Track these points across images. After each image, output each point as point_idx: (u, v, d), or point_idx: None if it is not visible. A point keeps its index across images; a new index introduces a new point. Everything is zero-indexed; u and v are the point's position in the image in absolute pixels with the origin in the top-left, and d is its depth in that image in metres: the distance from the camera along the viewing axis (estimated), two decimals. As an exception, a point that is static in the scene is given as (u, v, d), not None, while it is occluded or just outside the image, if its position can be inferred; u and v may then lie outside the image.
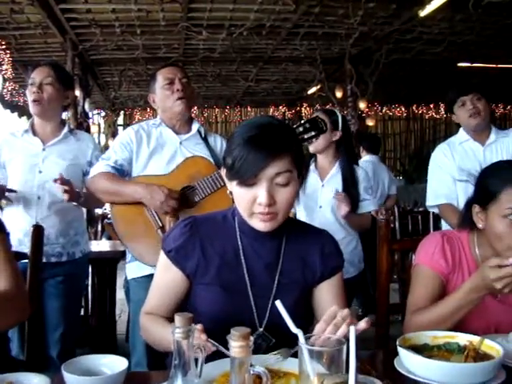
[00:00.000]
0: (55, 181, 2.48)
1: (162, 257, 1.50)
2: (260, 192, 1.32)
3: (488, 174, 1.66)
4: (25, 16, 6.32)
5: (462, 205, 1.96)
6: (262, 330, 1.42)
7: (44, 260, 2.51)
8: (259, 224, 1.37)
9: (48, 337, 2.63)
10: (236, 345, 0.88)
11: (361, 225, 2.91)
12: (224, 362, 1.10)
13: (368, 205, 2.90)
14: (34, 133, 2.71)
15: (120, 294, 3.87)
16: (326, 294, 1.50)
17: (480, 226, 1.61)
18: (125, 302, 3.63)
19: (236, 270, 1.44)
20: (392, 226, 5.89)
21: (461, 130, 2.94)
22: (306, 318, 1.52)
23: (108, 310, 3.96)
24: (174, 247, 1.45)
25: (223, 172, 1.46)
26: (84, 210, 2.92)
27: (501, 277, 1.36)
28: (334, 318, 1.17)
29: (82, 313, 4.46)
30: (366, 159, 5.72)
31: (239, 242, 1.46)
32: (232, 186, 1.39)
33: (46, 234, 2.50)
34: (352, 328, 0.94)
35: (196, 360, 1.00)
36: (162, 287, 1.49)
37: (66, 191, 2.48)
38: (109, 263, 3.86)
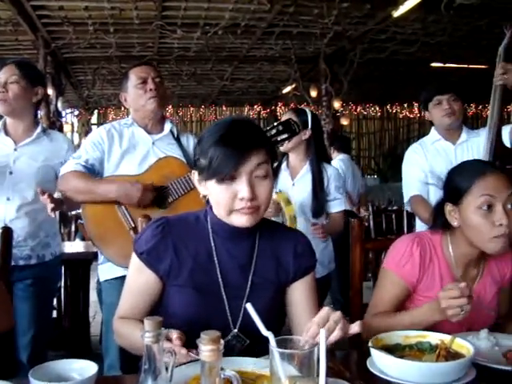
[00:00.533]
0: (44, 195, 2.35)
1: (134, 259, 1.47)
2: (241, 187, 1.32)
3: (456, 172, 1.70)
4: (-6, 13, 6.21)
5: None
6: (236, 331, 1.41)
7: (12, 263, 2.47)
8: (241, 219, 1.35)
9: (18, 341, 2.57)
10: (206, 348, 0.87)
11: (335, 228, 2.92)
12: (194, 365, 1.09)
13: (339, 204, 2.90)
14: (7, 133, 2.62)
15: (94, 296, 3.81)
16: (299, 294, 1.50)
17: (455, 224, 1.64)
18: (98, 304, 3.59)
19: (209, 271, 1.43)
20: (366, 224, 5.94)
21: (433, 129, 2.97)
22: (280, 318, 1.53)
23: (81, 311, 3.91)
24: (146, 249, 1.43)
25: (194, 176, 1.44)
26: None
27: (450, 306, 1.39)
28: (327, 321, 1.17)
29: (55, 315, 4.41)
30: (340, 158, 5.79)
31: (212, 243, 1.45)
32: (208, 187, 1.38)
33: (14, 237, 2.44)
34: (322, 331, 0.93)
35: (166, 364, 0.99)
36: (135, 290, 1.47)
37: (53, 209, 2.37)
38: (82, 264, 3.82)
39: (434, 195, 2.67)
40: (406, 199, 2.89)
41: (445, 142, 2.86)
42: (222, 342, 0.89)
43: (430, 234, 1.73)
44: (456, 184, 1.65)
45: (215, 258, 1.44)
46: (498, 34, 7.44)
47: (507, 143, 2.55)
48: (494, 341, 1.44)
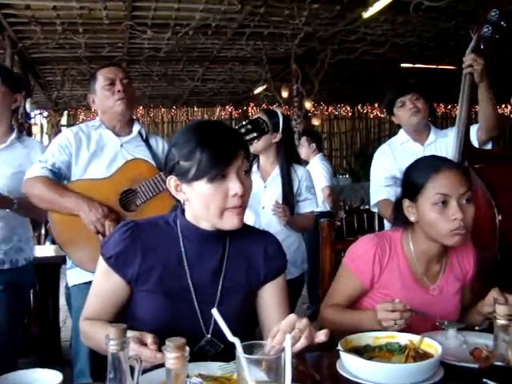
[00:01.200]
0: None
1: (102, 263, 1.44)
2: (233, 184, 1.33)
3: (412, 168, 1.73)
4: (-42, 11, 6.07)
5: None
6: (209, 336, 1.39)
7: None
8: (234, 221, 1.36)
9: None
10: (171, 356, 0.86)
11: (303, 226, 2.93)
12: (160, 372, 1.07)
13: (310, 204, 2.91)
14: None
15: (64, 300, 3.75)
16: (270, 296, 1.50)
17: (412, 219, 1.67)
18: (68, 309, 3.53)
19: (179, 276, 1.41)
20: (339, 224, 5.98)
21: (401, 130, 2.97)
22: (252, 321, 1.52)
23: (51, 316, 3.84)
24: (114, 253, 1.40)
25: (170, 181, 1.42)
26: None
27: (384, 318, 1.44)
28: (293, 329, 1.17)
29: (26, 320, 4.33)
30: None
31: (182, 248, 1.43)
32: (195, 188, 1.36)
33: None
34: (288, 336, 0.93)
35: (132, 371, 0.97)
36: (102, 294, 1.45)
37: None
38: (51, 268, 3.75)
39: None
40: (372, 202, 2.90)
41: (414, 143, 2.88)
42: (188, 348, 0.88)
43: (390, 233, 1.78)
44: (412, 180, 1.68)
45: (185, 263, 1.42)
46: (464, 36, 7.62)
47: (474, 142, 2.58)
48: (462, 339, 1.46)
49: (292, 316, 1.21)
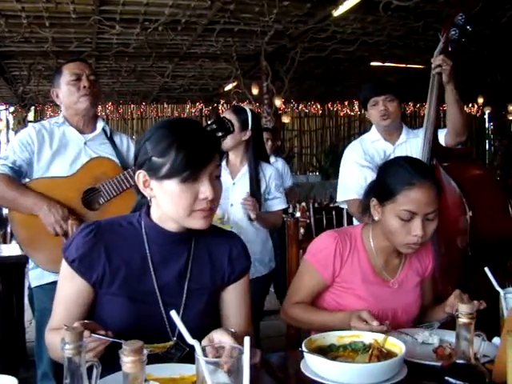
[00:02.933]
0: None
1: (65, 267, 1.40)
2: (204, 188, 1.31)
3: (389, 172, 1.71)
4: None
5: None
6: (175, 339, 1.36)
7: None
8: (201, 221, 1.34)
9: None
10: (128, 360, 0.83)
11: (271, 223, 2.92)
12: (118, 377, 1.05)
13: (279, 203, 2.91)
14: None
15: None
16: (233, 298, 1.49)
17: (376, 218, 1.69)
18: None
19: (144, 279, 1.38)
20: (308, 221, 6.00)
21: (373, 127, 2.97)
22: (216, 322, 1.50)
23: (15, 317, 3.76)
24: (77, 256, 1.36)
25: (139, 176, 1.38)
26: None
27: (356, 327, 1.45)
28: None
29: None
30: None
31: (147, 249, 1.40)
32: (165, 186, 1.32)
33: None
34: (247, 338, 0.91)
35: (89, 376, 0.94)
36: (67, 299, 1.39)
37: None
38: (15, 268, 3.66)
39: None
40: (341, 199, 2.90)
41: (384, 142, 2.88)
42: (145, 352, 0.86)
43: (350, 229, 1.82)
44: (385, 186, 1.67)
45: (150, 265, 1.39)
46: (432, 36, 7.72)
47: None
48: (426, 337, 1.47)
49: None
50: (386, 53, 8.82)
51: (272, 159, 5.27)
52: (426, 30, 7.20)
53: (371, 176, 2.80)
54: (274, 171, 2.94)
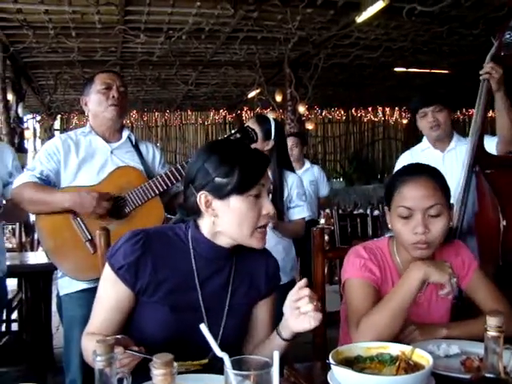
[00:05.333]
0: None
1: (109, 273, 1.40)
2: (265, 202, 1.38)
3: (391, 176, 1.72)
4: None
5: None
6: (211, 354, 1.36)
7: None
8: (261, 242, 1.41)
9: None
10: (158, 373, 0.84)
11: (293, 232, 2.91)
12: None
13: (300, 211, 2.89)
14: None
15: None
16: (263, 313, 1.53)
17: (389, 226, 1.65)
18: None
19: (188, 291, 1.39)
20: (332, 228, 5.97)
21: (424, 137, 2.97)
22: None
23: (43, 323, 3.81)
24: (124, 264, 1.36)
25: (201, 198, 1.39)
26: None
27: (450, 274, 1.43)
28: None
29: (16, 328, 4.31)
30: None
31: (193, 263, 1.42)
32: (231, 204, 1.37)
33: None
34: (276, 352, 0.92)
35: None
36: (107, 305, 1.40)
37: None
38: (42, 275, 3.72)
39: None
40: None
41: (434, 150, 2.87)
42: (176, 364, 0.87)
43: (376, 242, 1.75)
44: (386, 188, 1.67)
45: (196, 279, 1.40)
46: (457, 41, 7.64)
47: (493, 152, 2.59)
48: (446, 350, 1.44)
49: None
50: (409, 58, 8.77)
51: (307, 165, 5.20)
52: (450, 34, 7.14)
53: None
54: (297, 179, 2.93)
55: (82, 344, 1.42)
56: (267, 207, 1.38)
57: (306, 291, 1.31)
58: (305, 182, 4.89)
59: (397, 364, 1.25)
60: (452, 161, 2.81)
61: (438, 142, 2.88)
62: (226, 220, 1.38)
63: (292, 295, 1.34)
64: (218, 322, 1.38)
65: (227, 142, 1.53)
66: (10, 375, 3.58)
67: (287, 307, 1.35)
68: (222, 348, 1.31)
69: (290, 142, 5.05)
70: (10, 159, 2.60)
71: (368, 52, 8.23)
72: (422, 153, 2.91)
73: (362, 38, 7.57)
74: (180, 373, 0.89)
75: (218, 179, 1.36)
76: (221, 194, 1.36)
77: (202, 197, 1.39)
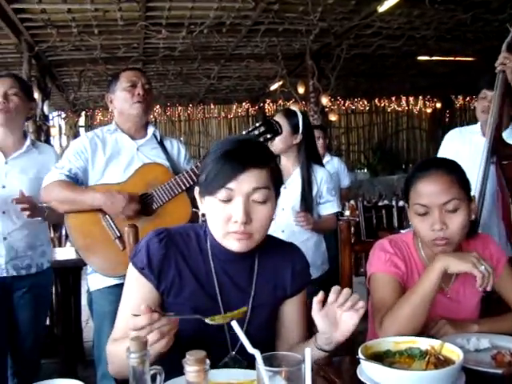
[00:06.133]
0: (14, 201, 2.41)
1: (133, 274, 1.38)
2: (236, 209, 1.27)
3: (409, 172, 1.68)
4: (-25, 17, 6.14)
5: None
6: (233, 353, 1.37)
7: (14, 273, 2.54)
8: (233, 243, 1.30)
9: (13, 351, 2.59)
10: (191, 369, 0.86)
11: (326, 228, 2.91)
12: (180, 381, 1.07)
13: (331, 206, 2.89)
14: None
15: (85, 300, 3.78)
16: (291, 312, 1.49)
17: (410, 223, 1.64)
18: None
19: (209, 292, 1.38)
20: (357, 220, 5.95)
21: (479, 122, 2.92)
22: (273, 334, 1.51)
23: (73, 317, 3.89)
24: (148, 263, 1.35)
25: (196, 192, 1.40)
26: None
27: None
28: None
29: (47, 322, 4.40)
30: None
31: (211, 265, 1.39)
32: (206, 204, 1.33)
33: (14, 248, 2.53)
34: (307, 350, 0.93)
35: (154, 381, 0.97)
36: (134, 306, 1.34)
37: (24, 209, 2.41)
38: (72, 270, 3.79)
39: None
40: None
41: (480, 136, 2.79)
42: (208, 361, 0.88)
43: (402, 236, 1.74)
44: (404, 184, 1.65)
45: (215, 280, 1.38)
46: (482, 27, 7.49)
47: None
48: (484, 343, 1.44)
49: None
50: (433, 46, 8.63)
51: (327, 157, 5.18)
52: (474, 21, 7.00)
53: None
54: (326, 174, 2.92)
55: (107, 352, 1.39)
56: (236, 215, 1.26)
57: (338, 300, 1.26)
58: None
59: (426, 359, 1.25)
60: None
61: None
62: (207, 218, 1.36)
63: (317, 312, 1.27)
64: (240, 323, 1.29)
65: (228, 140, 1.40)
66: (43, 368, 3.67)
67: (321, 323, 1.28)
68: (243, 349, 1.29)
69: (316, 134, 5.03)
70: (53, 163, 2.64)
71: (390, 41, 8.13)
72: (469, 134, 2.88)
73: (385, 27, 7.47)
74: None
75: (200, 177, 1.36)
76: (200, 192, 1.36)
77: (196, 192, 1.40)
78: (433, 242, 1.56)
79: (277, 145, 2.74)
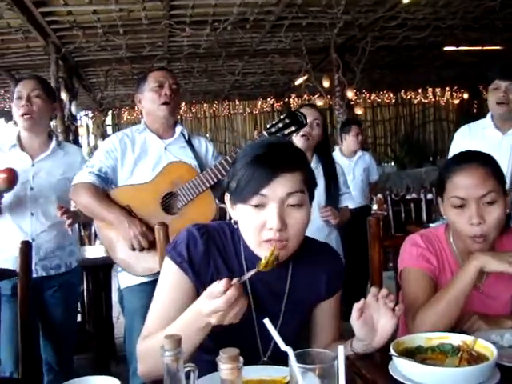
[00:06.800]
0: (61, 214, 2.47)
1: (170, 267, 1.35)
2: (270, 215, 1.23)
3: (443, 164, 1.66)
4: (5, 21, 6.24)
5: None
6: (265, 359, 1.36)
7: (44, 274, 2.58)
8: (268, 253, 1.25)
9: (47, 348, 2.64)
10: (225, 367, 0.87)
11: (343, 220, 2.93)
12: (214, 377, 1.08)
13: (347, 198, 2.94)
14: (22, 147, 2.62)
15: (116, 297, 3.84)
16: (325, 313, 1.48)
17: (444, 216, 1.62)
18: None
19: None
20: (385, 213, 5.91)
21: (489, 114, 2.85)
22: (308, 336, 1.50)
23: (104, 314, 3.95)
24: (189, 257, 1.32)
25: (226, 199, 1.36)
26: None
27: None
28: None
29: (79, 319, 4.47)
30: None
31: (244, 267, 1.36)
32: (238, 211, 1.30)
33: (43, 249, 2.56)
34: (341, 347, 0.93)
35: (187, 378, 0.98)
36: (167, 301, 1.33)
37: (70, 223, 2.50)
38: (102, 268, 3.85)
39: None
40: None
41: (494, 129, 2.76)
42: (242, 359, 0.89)
43: (433, 231, 1.72)
44: (439, 178, 1.63)
45: (248, 284, 1.34)
46: (511, 14, 7.29)
47: None
48: (510, 340, 1.41)
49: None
50: (460, 36, 8.49)
51: (360, 153, 5.14)
52: (503, 8, 6.86)
53: None
54: (339, 168, 2.97)
55: (137, 352, 1.36)
56: (271, 222, 1.23)
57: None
58: (358, 169, 4.94)
59: (459, 355, 1.24)
60: (509, 145, 2.71)
61: (502, 122, 2.75)
62: (240, 227, 1.32)
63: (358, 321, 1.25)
64: (272, 324, 1.21)
65: (257, 144, 1.35)
66: (76, 363, 3.73)
67: (360, 330, 1.26)
68: (277, 355, 1.27)
69: (355, 129, 5.04)
70: (79, 162, 2.69)
71: (416, 32, 8.00)
72: (481, 130, 2.80)
73: (410, 18, 7.36)
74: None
75: (231, 182, 1.30)
76: (231, 199, 1.32)
77: (226, 198, 1.36)
78: (470, 239, 1.54)
79: (297, 139, 2.77)
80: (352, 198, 2.97)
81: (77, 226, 2.95)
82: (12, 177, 2.42)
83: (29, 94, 2.55)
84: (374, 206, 6.67)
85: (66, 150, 2.74)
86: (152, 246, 2.22)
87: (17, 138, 2.64)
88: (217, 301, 1.11)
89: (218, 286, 1.11)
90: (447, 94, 14.50)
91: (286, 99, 13.82)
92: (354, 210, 3.95)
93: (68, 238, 2.69)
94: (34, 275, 2.52)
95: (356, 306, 1.23)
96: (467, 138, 2.80)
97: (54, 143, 2.67)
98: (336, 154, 4.99)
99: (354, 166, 5.03)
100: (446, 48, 9.23)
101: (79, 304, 4.48)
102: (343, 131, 5.15)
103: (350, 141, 5.06)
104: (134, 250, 2.27)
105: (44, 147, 2.65)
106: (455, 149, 2.83)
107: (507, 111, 2.67)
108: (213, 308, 1.12)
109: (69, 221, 2.48)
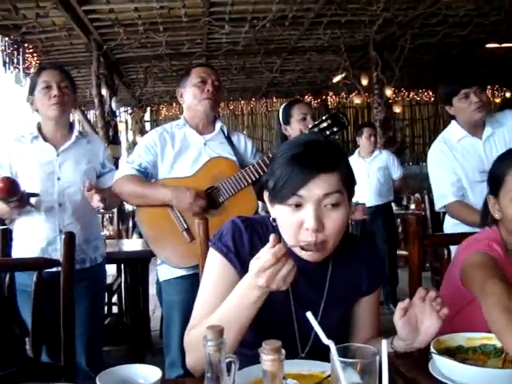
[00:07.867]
0: (88, 190, 2.41)
1: (216, 258, 1.35)
2: (307, 216, 1.22)
3: (495, 162, 1.65)
4: (50, 20, 6.40)
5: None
6: (303, 355, 1.36)
7: None
8: (309, 253, 1.25)
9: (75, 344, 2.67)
10: (267, 358, 0.88)
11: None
12: (256, 369, 1.10)
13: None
14: (45, 138, 2.58)
15: (153, 290, 3.89)
16: (364, 311, 1.47)
17: (497, 216, 1.59)
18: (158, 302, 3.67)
19: (282, 291, 1.26)
20: (423, 213, 5.83)
21: (453, 124, 2.80)
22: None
23: (142, 307, 4.01)
24: (235, 248, 1.33)
25: (265, 196, 1.35)
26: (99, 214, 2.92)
27: None
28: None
29: (117, 311, 4.56)
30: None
31: None
32: (276, 210, 1.29)
33: None
34: (384, 341, 0.93)
35: (229, 369, 0.99)
36: (214, 291, 1.33)
37: (102, 199, 2.41)
38: (140, 262, 3.91)
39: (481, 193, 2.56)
40: (440, 205, 2.73)
41: (471, 138, 2.73)
42: (284, 351, 0.90)
43: (490, 232, 1.67)
44: (493, 175, 1.61)
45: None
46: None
47: None
48: None
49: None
50: (503, 33, 8.29)
51: (376, 152, 5.37)
52: (549, 4, 6.70)
53: (464, 176, 2.68)
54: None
55: (185, 343, 1.35)
56: (308, 222, 1.21)
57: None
58: (373, 168, 5.17)
59: (502, 356, 1.22)
60: (492, 148, 2.68)
61: (475, 129, 2.72)
62: (278, 225, 1.31)
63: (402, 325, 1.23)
64: (310, 324, 1.19)
65: (295, 142, 1.31)
66: (113, 354, 3.80)
67: (402, 330, 1.24)
68: (315, 352, 1.30)
69: (367, 131, 5.33)
70: (101, 150, 2.70)
71: (457, 29, 7.86)
72: (458, 143, 2.74)
73: (451, 15, 7.23)
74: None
75: (268, 182, 1.29)
76: (269, 198, 1.31)
77: (265, 196, 1.35)
78: None
79: None
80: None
81: (99, 221, 2.93)
82: (6, 187, 2.29)
83: (59, 84, 2.52)
84: (412, 206, 6.60)
85: (89, 138, 2.71)
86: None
87: (37, 129, 2.59)
88: (265, 256, 1.11)
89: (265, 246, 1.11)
90: (488, 92, 14.17)
91: (324, 97, 13.73)
92: (369, 208, 4.20)
93: (93, 233, 2.65)
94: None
95: (400, 305, 1.22)
96: (449, 154, 2.71)
97: (76, 132, 2.64)
98: (353, 157, 5.33)
99: (368, 165, 5.28)
100: (489, 45, 9.02)
101: (117, 297, 4.59)
102: (357, 134, 5.48)
103: (363, 143, 5.37)
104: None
105: (66, 137, 2.62)
106: (444, 169, 2.73)
107: (485, 114, 2.67)
108: (261, 264, 1.11)
109: (97, 196, 2.39)
